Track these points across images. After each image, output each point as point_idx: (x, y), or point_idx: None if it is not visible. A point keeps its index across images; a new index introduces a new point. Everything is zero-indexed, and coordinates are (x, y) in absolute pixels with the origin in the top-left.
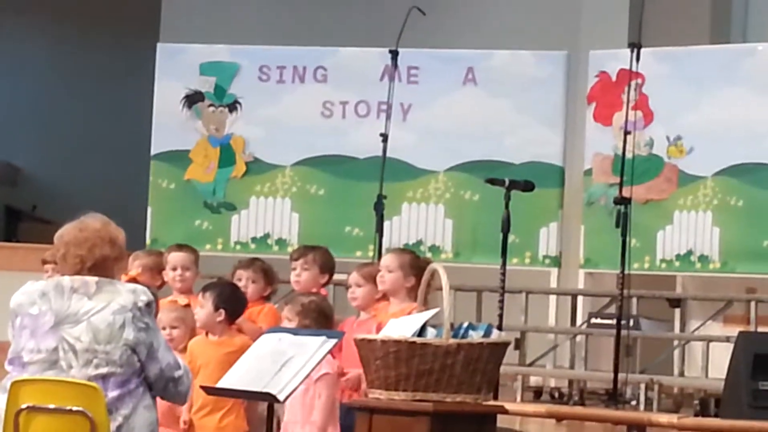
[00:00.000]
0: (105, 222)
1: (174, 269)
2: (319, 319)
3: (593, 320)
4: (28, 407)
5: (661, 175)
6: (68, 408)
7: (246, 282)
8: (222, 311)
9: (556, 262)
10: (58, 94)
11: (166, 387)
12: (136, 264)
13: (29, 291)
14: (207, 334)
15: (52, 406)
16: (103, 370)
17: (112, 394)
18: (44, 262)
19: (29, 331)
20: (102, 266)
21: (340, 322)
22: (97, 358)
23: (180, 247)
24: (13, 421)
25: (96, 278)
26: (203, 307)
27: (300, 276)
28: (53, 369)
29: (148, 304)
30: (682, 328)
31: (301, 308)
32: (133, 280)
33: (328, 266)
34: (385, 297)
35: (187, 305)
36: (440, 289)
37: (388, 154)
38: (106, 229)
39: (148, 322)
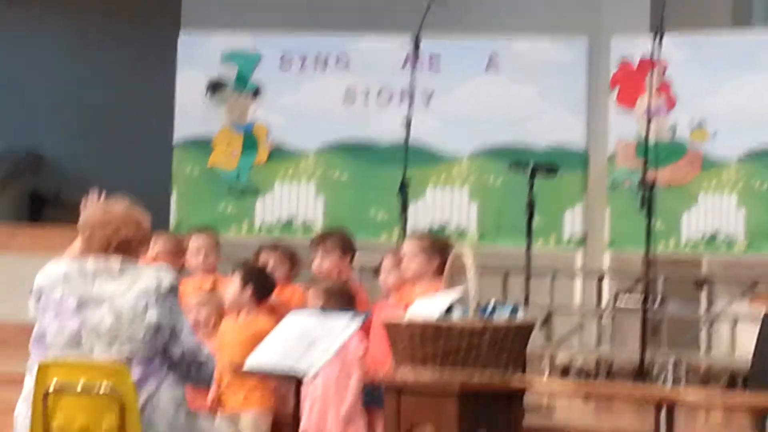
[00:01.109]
0: (130, 205)
1: (196, 252)
2: (342, 301)
3: (619, 301)
4: (56, 389)
5: (685, 159)
6: (96, 389)
7: (273, 265)
8: (249, 288)
9: (582, 243)
10: (82, 82)
11: (188, 370)
12: (156, 247)
13: (52, 272)
14: (237, 315)
15: (80, 387)
16: (126, 351)
17: (136, 374)
18: None
19: (53, 312)
20: (126, 248)
21: (371, 305)
22: (119, 340)
23: (201, 230)
24: (42, 403)
25: (119, 260)
26: (232, 286)
27: (322, 264)
28: (76, 350)
29: (172, 287)
30: (708, 308)
31: (325, 292)
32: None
33: (348, 248)
34: (412, 281)
35: (212, 288)
36: (466, 270)
37: (411, 141)
38: (131, 211)
39: (171, 305)
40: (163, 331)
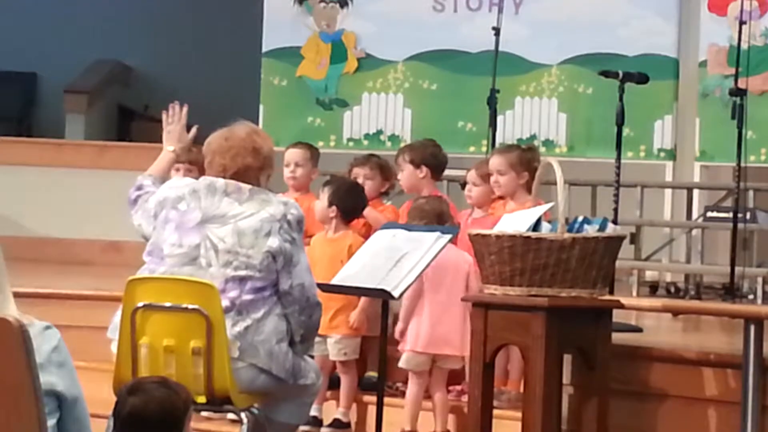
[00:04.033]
0: (251, 131)
1: (287, 166)
2: (440, 222)
3: (709, 214)
4: (144, 305)
5: None
6: (184, 306)
7: (363, 180)
8: (334, 208)
9: (671, 155)
10: None
11: (293, 306)
12: None
13: (178, 186)
14: (327, 232)
15: (168, 304)
16: (242, 272)
17: (246, 297)
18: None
19: (174, 225)
20: (244, 175)
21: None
22: (237, 261)
23: (296, 144)
24: (130, 319)
25: (249, 186)
26: (321, 202)
27: (401, 178)
28: (192, 265)
29: (298, 220)
30: None
31: (421, 212)
32: None
33: (420, 159)
34: (501, 196)
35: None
36: (554, 183)
37: (500, 48)
38: (251, 138)
39: (295, 237)
40: (280, 259)
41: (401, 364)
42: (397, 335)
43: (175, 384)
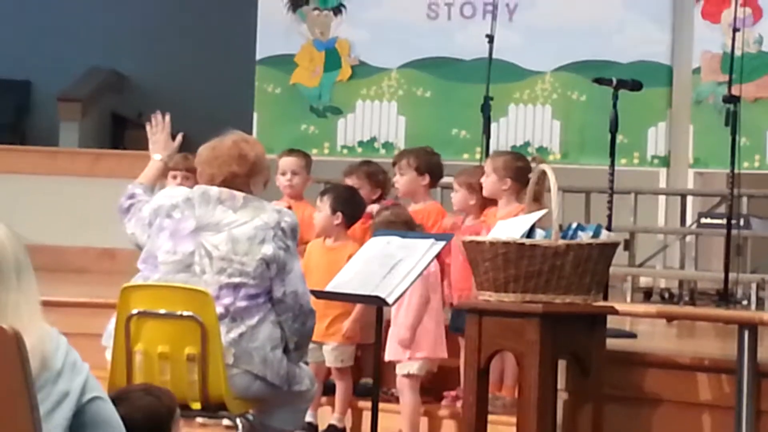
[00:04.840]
0: (239, 139)
1: (283, 174)
2: (409, 229)
3: (703, 220)
4: (138, 313)
5: None
6: (179, 313)
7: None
8: (339, 215)
9: (665, 162)
10: (164, 1)
11: (286, 314)
12: None
13: (172, 195)
14: (325, 239)
15: (162, 311)
16: (236, 279)
17: (240, 304)
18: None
19: (168, 232)
20: (231, 182)
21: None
22: (231, 268)
23: (290, 152)
24: (124, 327)
25: (243, 194)
26: (321, 211)
27: (398, 182)
28: (186, 272)
29: (292, 228)
30: None
31: (388, 224)
32: None
33: (425, 167)
34: (495, 202)
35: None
36: (548, 190)
37: (494, 55)
38: (237, 146)
39: (289, 245)
40: (273, 266)
41: (414, 371)
42: (405, 344)
43: (159, 390)
